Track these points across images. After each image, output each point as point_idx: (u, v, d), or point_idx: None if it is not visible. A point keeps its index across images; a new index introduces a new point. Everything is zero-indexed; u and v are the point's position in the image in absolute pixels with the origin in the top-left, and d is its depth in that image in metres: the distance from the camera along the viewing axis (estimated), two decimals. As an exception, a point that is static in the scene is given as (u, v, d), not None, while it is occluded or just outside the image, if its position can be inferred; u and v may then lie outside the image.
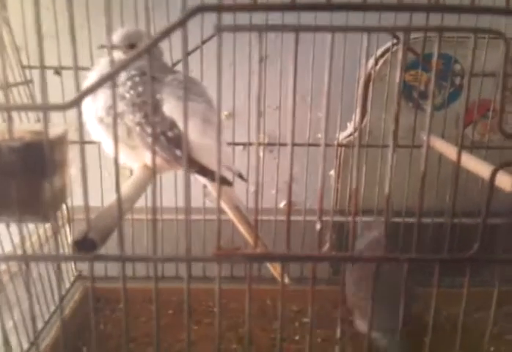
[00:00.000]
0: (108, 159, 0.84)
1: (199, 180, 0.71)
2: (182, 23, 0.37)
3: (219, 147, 0.40)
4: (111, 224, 0.43)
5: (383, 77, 0.91)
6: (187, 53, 0.39)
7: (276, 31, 0.40)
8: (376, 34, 0.85)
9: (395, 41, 0.89)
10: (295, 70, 0.39)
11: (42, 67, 0.39)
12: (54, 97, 0.40)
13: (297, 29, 0.38)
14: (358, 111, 0.97)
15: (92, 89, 0.38)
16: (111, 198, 0.85)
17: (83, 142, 0.40)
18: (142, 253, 0.43)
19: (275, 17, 0.81)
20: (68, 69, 0.84)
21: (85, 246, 0.40)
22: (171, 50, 0.81)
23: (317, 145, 0.94)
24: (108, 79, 0.39)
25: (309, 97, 0.90)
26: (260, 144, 1.03)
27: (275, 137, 1.03)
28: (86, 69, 0.85)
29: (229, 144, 0.89)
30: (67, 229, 0.92)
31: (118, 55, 0.65)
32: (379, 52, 0.93)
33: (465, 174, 0.89)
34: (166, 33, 0.37)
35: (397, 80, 0.43)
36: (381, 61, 0.93)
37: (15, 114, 0.71)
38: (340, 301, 0.80)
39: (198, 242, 0.91)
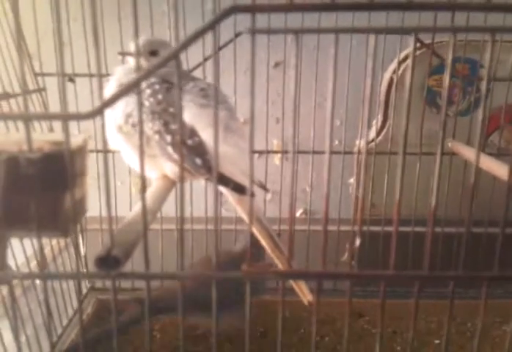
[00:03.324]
0: (121, 168, 0.82)
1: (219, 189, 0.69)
2: (213, 25, 0.34)
3: (251, 160, 0.37)
4: (135, 239, 0.41)
5: (405, 82, 0.88)
6: (215, 56, 0.37)
7: (313, 33, 0.37)
8: (399, 37, 0.83)
9: (418, 45, 0.86)
10: (335, 73, 0.36)
11: (62, 75, 0.36)
12: (69, 105, 0.38)
13: (336, 31, 0.35)
14: (379, 117, 0.94)
15: (116, 98, 0.36)
16: (125, 208, 0.83)
17: (106, 151, 0.38)
18: (165, 271, 0.40)
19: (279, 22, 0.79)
20: (82, 76, 0.82)
21: (108, 263, 0.37)
22: (187, 58, 0.80)
23: (337, 153, 0.91)
24: (134, 86, 0.36)
25: (327, 104, 0.87)
26: (277, 152, 1.01)
27: (291, 145, 1.00)
28: (101, 76, 0.83)
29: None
30: (81, 241, 0.90)
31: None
32: (402, 56, 0.90)
33: (492, 181, 0.87)
34: (197, 36, 0.35)
35: (407, 83, 0.40)
36: (403, 66, 0.90)
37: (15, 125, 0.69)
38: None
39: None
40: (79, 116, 0.34)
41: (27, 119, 0.34)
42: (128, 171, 0.84)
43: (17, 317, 0.41)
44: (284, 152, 0.99)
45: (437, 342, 0.90)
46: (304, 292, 0.66)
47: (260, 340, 0.88)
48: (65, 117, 0.33)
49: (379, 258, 0.91)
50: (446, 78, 0.37)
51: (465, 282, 0.43)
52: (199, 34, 0.35)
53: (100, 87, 0.38)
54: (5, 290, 0.63)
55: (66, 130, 0.34)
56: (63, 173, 0.37)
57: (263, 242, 0.67)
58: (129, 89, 0.36)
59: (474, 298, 0.74)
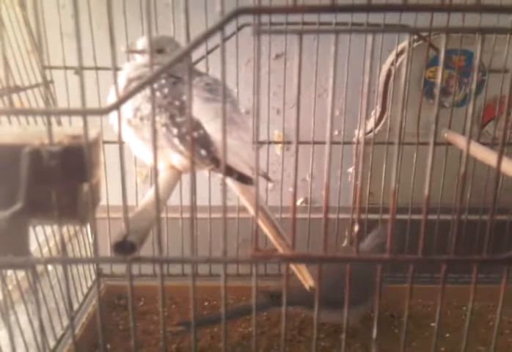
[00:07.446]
0: (126, 158, 0.84)
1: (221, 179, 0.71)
2: (221, 26, 0.37)
3: (257, 152, 0.40)
4: (148, 226, 0.43)
5: (403, 73, 0.91)
6: (222, 56, 0.39)
7: (314, 34, 0.40)
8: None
9: (415, 37, 0.88)
10: (335, 69, 0.38)
11: (80, 69, 0.39)
12: (75, 98, 0.40)
13: (337, 31, 0.37)
14: (377, 107, 0.96)
15: (132, 94, 0.38)
16: (131, 197, 0.85)
17: (120, 143, 0.40)
18: (179, 255, 0.43)
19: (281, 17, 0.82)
20: (89, 69, 0.84)
21: (124, 248, 0.40)
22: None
23: (336, 143, 0.94)
24: (148, 83, 0.39)
25: (327, 95, 0.90)
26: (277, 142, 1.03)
27: (292, 135, 1.03)
28: (106, 69, 0.85)
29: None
30: (89, 229, 0.92)
31: (145, 59, 0.65)
32: (400, 48, 0.92)
33: (487, 170, 0.89)
34: (206, 36, 0.37)
35: (403, 78, 0.42)
36: (401, 58, 0.92)
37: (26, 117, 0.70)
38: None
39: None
40: (98, 112, 0.36)
41: (48, 113, 0.37)
42: (134, 162, 0.87)
43: (39, 301, 0.44)
44: (285, 142, 1.01)
45: (433, 324, 0.93)
46: (306, 278, 0.69)
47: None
48: (85, 112, 0.36)
49: (377, 245, 0.94)
50: (439, 74, 0.40)
51: (459, 267, 0.45)
52: (208, 35, 0.37)
53: (115, 82, 0.41)
54: (20, 275, 0.66)
55: (85, 124, 0.37)
56: (82, 165, 0.39)
57: (266, 229, 0.70)
58: (144, 85, 0.38)
59: (469, 283, 0.77)
